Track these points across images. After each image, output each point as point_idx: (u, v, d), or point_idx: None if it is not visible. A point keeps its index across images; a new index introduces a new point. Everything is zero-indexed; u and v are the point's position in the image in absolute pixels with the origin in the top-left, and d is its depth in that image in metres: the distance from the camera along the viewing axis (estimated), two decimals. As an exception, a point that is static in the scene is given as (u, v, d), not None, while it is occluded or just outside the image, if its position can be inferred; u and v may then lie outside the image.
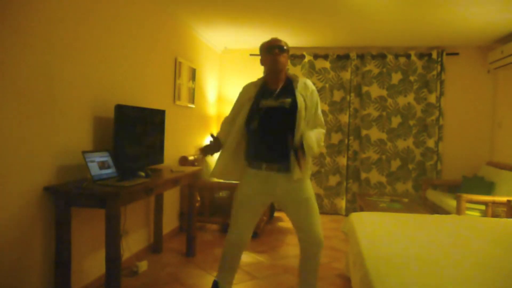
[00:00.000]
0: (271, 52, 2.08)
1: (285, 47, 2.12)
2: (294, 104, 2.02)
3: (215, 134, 2.19)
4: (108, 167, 2.43)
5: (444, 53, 4.91)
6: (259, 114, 2.04)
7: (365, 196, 4.44)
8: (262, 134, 2.05)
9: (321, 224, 2.19)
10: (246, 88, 2.23)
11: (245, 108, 2.11)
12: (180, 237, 3.85)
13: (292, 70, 5.21)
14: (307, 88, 2.11)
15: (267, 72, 2.17)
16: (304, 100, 2.06)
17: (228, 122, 2.24)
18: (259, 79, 2.22)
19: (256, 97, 2.11)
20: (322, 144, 2.18)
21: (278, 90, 2.09)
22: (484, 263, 1.90)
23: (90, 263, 2.59)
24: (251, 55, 5.16)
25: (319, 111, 2.20)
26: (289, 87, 2.10)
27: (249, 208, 2.13)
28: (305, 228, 2.13)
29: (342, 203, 5.19)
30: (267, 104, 2.05)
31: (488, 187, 4.06)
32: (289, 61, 5.19)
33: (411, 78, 4.99)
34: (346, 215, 5.02)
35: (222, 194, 4.12)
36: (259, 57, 2.22)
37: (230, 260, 2.22)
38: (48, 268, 2.19)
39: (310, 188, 2.14)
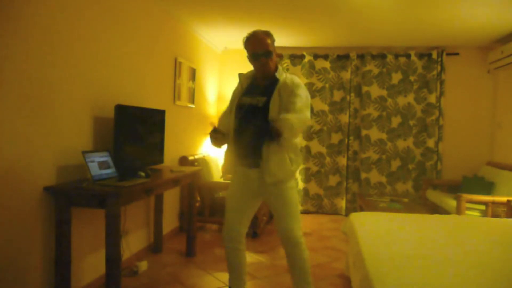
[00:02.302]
0: (258, 60, 2.05)
1: (270, 49, 2.04)
2: (267, 103, 2.01)
3: (216, 126, 2.19)
4: (108, 167, 2.43)
5: (444, 53, 4.91)
6: (239, 112, 2.08)
7: (365, 196, 4.44)
8: (238, 132, 2.08)
9: (300, 223, 2.14)
10: (240, 80, 2.25)
11: (233, 104, 2.15)
12: (180, 237, 3.85)
13: (292, 70, 5.21)
14: (286, 87, 2.04)
15: (256, 71, 2.17)
16: (281, 99, 2.01)
17: (226, 115, 2.25)
18: (251, 72, 2.22)
19: (243, 93, 2.14)
20: (303, 124, 2.04)
21: (261, 87, 2.10)
22: (484, 263, 1.90)
23: (90, 263, 2.59)
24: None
25: (297, 101, 2.00)
26: (273, 85, 2.07)
27: (235, 204, 2.19)
28: (279, 225, 2.12)
29: (342, 203, 5.19)
30: (246, 101, 2.08)
31: (488, 187, 4.06)
32: (289, 61, 5.21)
33: (411, 78, 4.99)
34: (346, 215, 5.02)
35: (222, 194, 4.12)
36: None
37: (231, 260, 2.23)
38: (48, 268, 2.19)
39: (290, 185, 2.10)
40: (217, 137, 2.08)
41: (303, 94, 2.05)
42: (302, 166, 5.12)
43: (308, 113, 2.03)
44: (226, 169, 2.24)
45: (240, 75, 2.27)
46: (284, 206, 2.09)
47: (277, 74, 2.09)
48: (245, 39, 2.10)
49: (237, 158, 2.13)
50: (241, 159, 2.12)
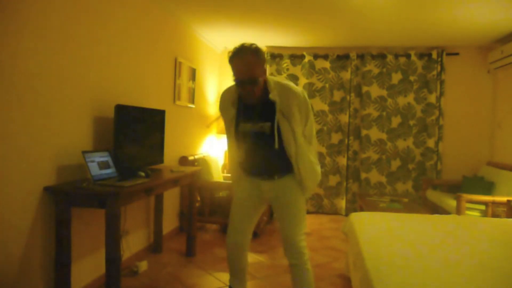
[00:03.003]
0: (242, 87, 1.84)
1: (256, 75, 1.80)
2: (273, 127, 1.89)
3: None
4: (108, 167, 2.43)
5: (444, 53, 4.91)
6: (243, 137, 2.01)
7: (365, 196, 4.44)
8: (248, 154, 2.04)
9: (304, 235, 2.08)
10: (224, 105, 2.06)
11: (231, 132, 2.04)
12: (180, 237, 3.85)
13: (292, 70, 5.21)
14: (288, 108, 1.89)
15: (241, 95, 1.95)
16: (288, 120, 1.90)
17: (233, 145, 2.10)
18: (232, 90, 2.00)
19: (236, 119, 1.99)
20: (318, 167, 2.09)
21: (258, 110, 1.93)
22: (484, 263, 1.90)
23: (90, 263, 2.59)
24: (247, 43, 5.14)
25: (310, 123, 2.00)
26: (268, 104, 1.89)
27: (242, 210, 2.15)
28: (284, 235, 2.07)
29: (342, 203, 5.19)
30: (248, 128, 1.96)
31: (488, 187, 4.06)
32: (289, 61, 5.21)
33: (411, 78, 4.99)
34: (346, 215, 5.02)
35: (222, 194, 4.12)
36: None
37: (234, 263, 2.21)
38: (48, 268, 2.19)
39: (297, 195, 2.07)
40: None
41: (306, 108, 1.97)
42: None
43: (314, 132, 2.10)
44: (235, 182, 2.20)
45: (223, 98, 2.07)
46: (292, 215, 2.06)
47: (271, 96, 1.87)
48: (230, 54, 1.86)
49: (249, 171, 2.10)
50: (253, 172, 2.08)
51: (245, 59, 1.81)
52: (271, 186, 2.05)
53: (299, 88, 2.02)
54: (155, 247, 3.42)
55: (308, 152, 2.02)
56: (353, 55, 5.09)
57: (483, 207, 3.63)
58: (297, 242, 2.03)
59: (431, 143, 4.96)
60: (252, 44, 1.85)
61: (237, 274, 2.23)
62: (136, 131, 2.82)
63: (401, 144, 5.05)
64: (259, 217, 2.26)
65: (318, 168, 2.11)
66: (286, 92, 1.91)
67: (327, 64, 5.17)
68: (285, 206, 2.07)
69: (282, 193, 2.05)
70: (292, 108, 1.90)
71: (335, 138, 5.21)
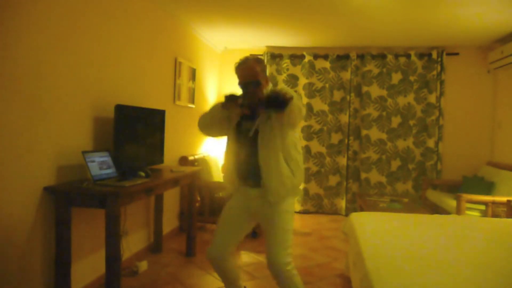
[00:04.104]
0: (246, 89, 1.97)
1: (259, 78, 1.96)
2: (256, 131, 1.95)
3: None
4: (108, 167, 2.43)
5: (444, 53, 4.91)
6: (237, 137, 2.04)
7: (365, 196, 4.44)
8: (237, 155, 2.05)
9: (289, 250, 2.01)
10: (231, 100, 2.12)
11: (229, 135, 2.08)
12: (180, 237, 3.85)
13: (292, 70, 5.22)
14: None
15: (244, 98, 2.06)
16: (273, 121, 1.92)
17: (228, 162, 2.15)
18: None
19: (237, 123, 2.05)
20: (289, 180, 1.99)
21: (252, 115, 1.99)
22: (484, 263, 1.90)
23: (90, 263, 2.59)
24: (251, 55, 5.15)
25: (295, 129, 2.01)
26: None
27: (229, 223, 2.11)
28: (266, 248, 2.01)
29: (342, 203, 5.19)
30: (246, 126, 2.01)
31: (488, 187, 4.06)
32: (289, 61, 5.21)
33: (411, 78, 4.99)
34: (346, 215, 5.02)
35: (222, 194, 4.12)
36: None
37: (221, 275, 2.17)
38: (48, 268, 2.20)
39: (286, 208, 2.02)
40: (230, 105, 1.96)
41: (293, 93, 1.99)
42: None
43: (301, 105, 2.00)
44: (226, 189, 2.17)
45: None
46: (273, 230, 2.00)
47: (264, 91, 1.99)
48: (236, 64, 2.05)
49: (239, 178, 2.08)
50: (243, 180, 2.07)
51: (248, 64, 2.00)
52: (257, 193, 2.00)
53: (292, 91, 1.96)
54: (155, 247, 3.42)
55: (282, 161, 1.96)
56: (353, 55, 5.09)
57: (483, 207, 3.63)
58: (278, 260, 1.95)
59: (431, 143, 4.96)
60: (255, 56, 2.11)
61: (228, 280, 2.19)
62: (136, 131, 2.81)
63: (401, 144, 5.05)
64: (245, 234, 2.18)
65: (290, 182, 1.99)
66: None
67: (327, 64, 5.17)
68: (271, 220, 2.00)
69: (267, 205, 2.00)
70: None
71: (335, 138, 5.21)
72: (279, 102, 1.73)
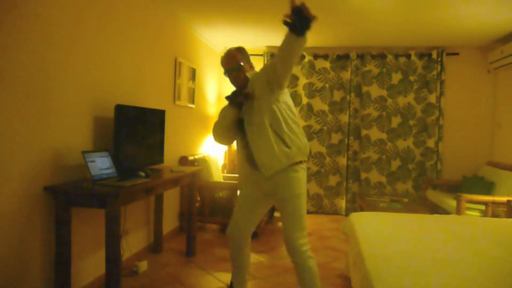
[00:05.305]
0: (230, 75, 2.15)
1: (239, 62, 2.11)
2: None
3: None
4: (108, 167, 2.43)
5: (444, 53, 4.91)
6: (239, 131, 2.18)
7: (365, 196, 4.44)
8: (241, 147, 2.20)
9: (305, 231, 2.08)
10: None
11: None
12: (180, 237, 3.85)
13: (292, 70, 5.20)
14: (257, 77, 2.09)
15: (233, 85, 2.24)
16: (259, 98, 2.04)
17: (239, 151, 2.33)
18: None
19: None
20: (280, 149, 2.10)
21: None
22: (484, 263, 1.90)
23: (90, 263, 2.59)
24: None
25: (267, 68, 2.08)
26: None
27: (245, 204, 2.24)
28: (283, 231, 2.10)
29: (342, 203, 5.19)
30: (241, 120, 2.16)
31: (488, 187, 4.06)
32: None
33: (411, 78, 4.99)
34: (346, 215, 5.02)
35: (222, 194, 4.12)
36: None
37: (233, 256, 2.28)
38: (48, 268, 2.20)
39: (294, 191, 2.06)
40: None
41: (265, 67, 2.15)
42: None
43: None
44: (240, 179, 2.32)
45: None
46: (288, 212, 2.08)
47: (248, 75, 2.14)
48: (222, 61, 2.21)
49: (249, 166, 2.17)
50: (250, 165, 2.16)
51: (229, 53, 2.17)
52: (267, 178, 2.09)
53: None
54: (155, 247, 3.43)
55: (272, 138, 2.01)
56: (353, 55, 5.09)
57: (483, 207, 3.63)
58: (294, 240, 2.05)
59: (431, 143, 4.96)
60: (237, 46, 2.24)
61: (238, 270, 2.31)
62: (136, 131, 2.81)
63: (401, 144, 5.05)
64: (263, 215, 2.31)
65: (284, 155, 2.02)
66: (257, 73, 2.14)
67: (327, 64, 5.17)
68: (282, 202, 2.10)
69: (278, 189, 2.09)
70: (261, 79, 2.04)
71: (335, 138, 5.21)
72: (303, 17, 1.56)
